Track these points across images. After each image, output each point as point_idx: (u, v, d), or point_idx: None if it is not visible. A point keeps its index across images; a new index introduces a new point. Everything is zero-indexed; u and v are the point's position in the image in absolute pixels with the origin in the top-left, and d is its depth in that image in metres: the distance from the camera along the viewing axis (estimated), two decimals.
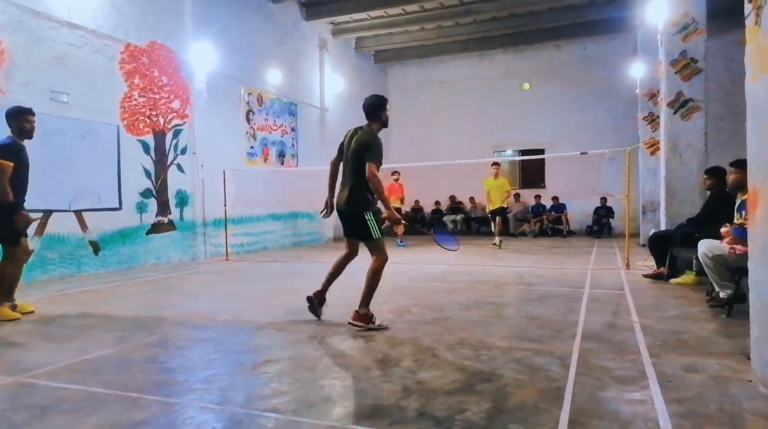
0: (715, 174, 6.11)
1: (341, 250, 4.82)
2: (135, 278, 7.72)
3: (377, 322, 4.33)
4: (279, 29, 12.93)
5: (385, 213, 4.42)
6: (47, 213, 7.53)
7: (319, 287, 4.72)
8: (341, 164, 4.71)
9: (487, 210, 12.47)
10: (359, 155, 4.38)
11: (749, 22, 2.66)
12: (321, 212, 4.80)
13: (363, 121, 4.77)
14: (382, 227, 4.46)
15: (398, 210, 12.74)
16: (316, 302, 4.68)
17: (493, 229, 12.19)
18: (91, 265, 8.18)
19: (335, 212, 4.69)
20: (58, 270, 7.67)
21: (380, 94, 4.93)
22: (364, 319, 4.32)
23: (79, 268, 7.99)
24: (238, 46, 11.46)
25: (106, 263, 8.41)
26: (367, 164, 4.28)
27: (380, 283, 4.43)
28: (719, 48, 11.26)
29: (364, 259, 4.58)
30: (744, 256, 3.48)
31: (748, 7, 2.66)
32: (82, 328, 4.65)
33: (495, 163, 11.99)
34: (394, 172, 12.96)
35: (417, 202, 17.52)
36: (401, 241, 12.66)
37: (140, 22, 9.08)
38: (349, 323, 4.34)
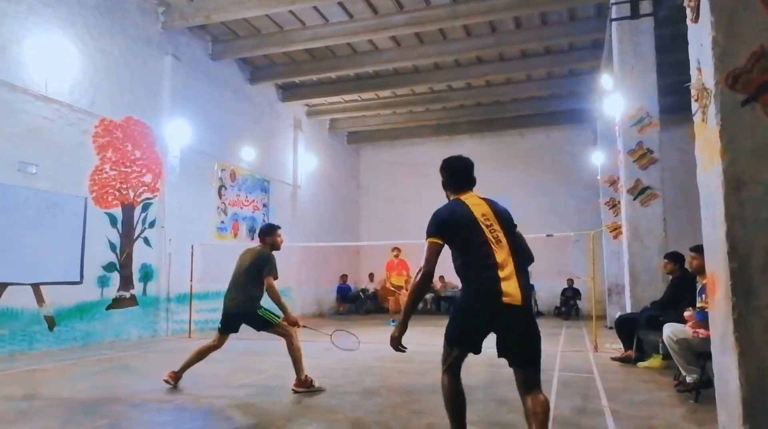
0: (675, 259, 6.32)
1: (308, 328, 4.86)
2: (90, 356, 7.33)
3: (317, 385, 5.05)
4: (255, 109, 13.29)
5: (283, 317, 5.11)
6: (2, 285, 7.23)
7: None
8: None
9: None
10: (253, 269, 5.14)
11: (697, 119, 2.86)
12: None
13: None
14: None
15: (399, 288, 12.54)
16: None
17: None
18: (44, 342, 7.76)
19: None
20: (7, 347, 7.25)
21: (273, 223, 5.82)
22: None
23: (30, 344, 7.57)
24: (214, 124, 11.68)
25: (61, 340, 8.00)
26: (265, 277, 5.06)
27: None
28: (672, 140, 11.98)
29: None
30: (707, 340, 3.54)
31: (694, 106, 2.88)
32: (26, 411, 4.35)
33: None
34: (394, 249, 12.67)
35: (385, 280, 17.43)
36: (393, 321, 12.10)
37: (117, 99, 9.23)
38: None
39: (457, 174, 3.32)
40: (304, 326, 5.33)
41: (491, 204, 3.14)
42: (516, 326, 2.82)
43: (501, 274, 2.82)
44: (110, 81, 9.10)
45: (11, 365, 6.50)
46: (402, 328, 3.02)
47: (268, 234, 5.35)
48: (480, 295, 2.87)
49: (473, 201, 3.11)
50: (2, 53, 7.40)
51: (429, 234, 3.01)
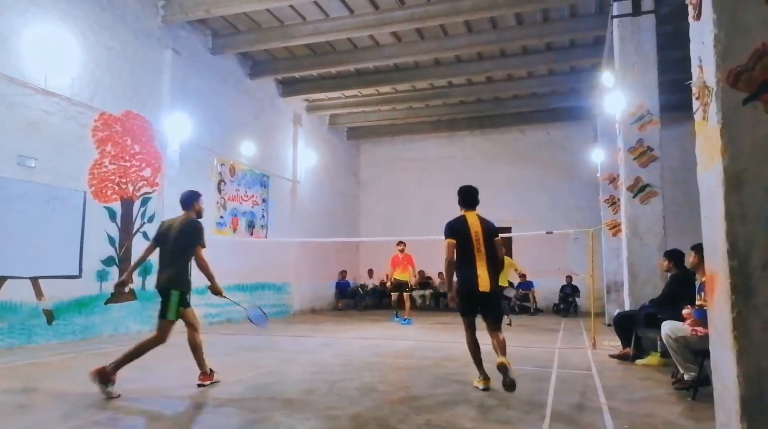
0: (674, 257, 6.32)
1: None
2: (89, 350, 7.34)
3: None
4: (255, 104, 13.26)
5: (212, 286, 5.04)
6: (1, 279, 7.23)
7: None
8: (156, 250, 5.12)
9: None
10: (184, 239, 4.95)
11: (698, 117, 2.86)
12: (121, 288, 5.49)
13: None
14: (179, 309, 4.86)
15: (404, 283, 12.03)
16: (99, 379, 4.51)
17: None
18: (43, 336, 7.77)
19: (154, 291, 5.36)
20: (6, 340, 7.25)
21: (194, 190, 5.42)
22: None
23: (29, 338, 7.57)
24: (214, 119, 11.66)
25: (60, 333, 8.01)
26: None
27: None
28: (673, 138, 11.98)
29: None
30: (705, 338, 3.54)
31: (696, 104, 2.87)
32: (26, 404, 4.36)
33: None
34: (399, 243, 12.19)
35: (387, 276, 17.46)
36: (406, 319, 11.69)
37: (117, 93, 9.20)
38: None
39: (465, 198, 5.18)
40: (227, 297, 5.28)
41: (483, 222, 5.00)
42: (488, 303, 4.91)
43: (478, 272, 4.80)
44: (110, 75, 9.08)
45: (10, 359, 6.50)
46: (450, 289, 4.97)
47: (195, 199, 5.22)
48: (464, 285, 4.87)
49: (472, 219, 5.00)
50: (2, 45, 7.37)
51: (446, 236, 4.94)
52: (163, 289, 4.91)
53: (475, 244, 4.82)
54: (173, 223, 5.12)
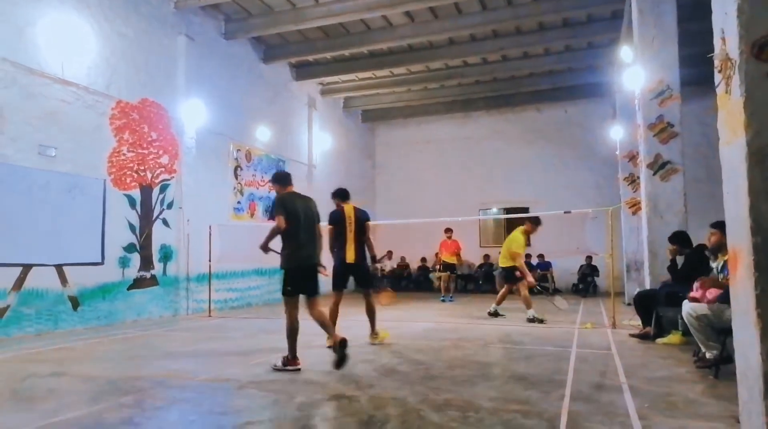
0: (679, 239, 6.30)
1: (324, 307, 5.01)
2: (113, 335, 7.51)
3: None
4: (269, 89, 13.25)
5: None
6: (26, 267, 7.39)
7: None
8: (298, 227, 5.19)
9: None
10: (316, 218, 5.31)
11: (720, 90, 2.79)
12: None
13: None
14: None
15: (451, 265, 13.15)
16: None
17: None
18: (69, 322, 7.96)
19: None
20: (34, 326, 7.45)
21: (285, 171, 6.37)
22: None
23: (56, 324, 7.76)
24: (229, 104, 11.69)
25: (85, 319, 8.20)
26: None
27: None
28: (694, 113, 11.71)
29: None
30: (728, 314, 3.49)
31: (717, 77, 2.80)
32: (54, 388, 4.48)
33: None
34: (447, 230, 13.04)
35: (403, 258, 17.52)
36: (450, 297, 12.90)
37: (133, 80, 9.26)
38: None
39: (340, 194, 6.49)
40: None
41: (356, 210, 6.33)
42: (356, 270, 6.40)
43: (347, 246, 6.24)
44: (126, 62, 9.13)
45: (39, 344, 6.68)
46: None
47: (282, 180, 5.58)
48: (339, 259, 6.31)
49: (348, 209, 6.34)
50: (19, 36, 7.45)
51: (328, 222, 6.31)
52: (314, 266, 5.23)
53: (348, 227, 6.18)
54: (302, 199, 5.44)
